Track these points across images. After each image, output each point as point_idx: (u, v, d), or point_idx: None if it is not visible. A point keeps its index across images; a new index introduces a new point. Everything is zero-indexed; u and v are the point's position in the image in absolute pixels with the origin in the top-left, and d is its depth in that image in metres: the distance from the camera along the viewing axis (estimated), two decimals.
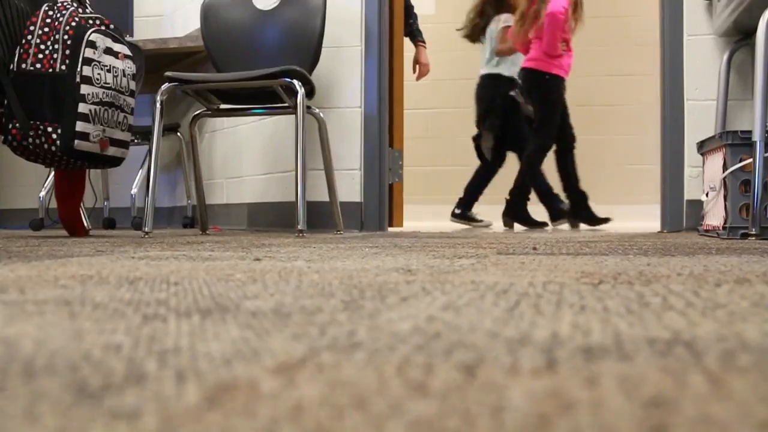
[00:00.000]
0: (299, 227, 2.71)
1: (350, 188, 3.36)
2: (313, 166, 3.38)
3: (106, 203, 4.46)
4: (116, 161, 2.68)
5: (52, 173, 3.53)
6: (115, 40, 2.61)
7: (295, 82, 2.77)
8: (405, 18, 3.90)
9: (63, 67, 2.46)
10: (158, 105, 2.83)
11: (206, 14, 3.31)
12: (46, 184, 3.99)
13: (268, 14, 3.30)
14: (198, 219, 4.20)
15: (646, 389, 0.38)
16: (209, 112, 3.18)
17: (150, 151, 2.89)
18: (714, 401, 0.36)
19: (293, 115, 3.38)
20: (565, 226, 4.21)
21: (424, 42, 4.42)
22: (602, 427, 0.32)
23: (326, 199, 3.23)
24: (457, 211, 4.54)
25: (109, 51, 2.56)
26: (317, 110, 3.09)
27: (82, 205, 2.88)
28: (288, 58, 3.14)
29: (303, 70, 2.84)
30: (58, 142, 2.44)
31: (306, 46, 3.13)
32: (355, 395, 0.37)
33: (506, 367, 0.44)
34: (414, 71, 4.45)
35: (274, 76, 2.79)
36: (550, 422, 0.32)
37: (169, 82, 2.85)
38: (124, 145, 2.67)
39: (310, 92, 2.89)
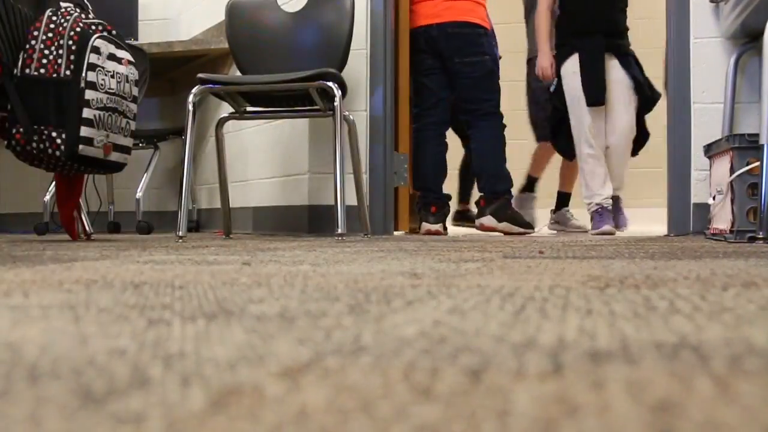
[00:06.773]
0: (339, 231, 2.69)
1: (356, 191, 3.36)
2: (320, 170, 3.39)
3: (110, 207, 4.47)
4: (118, 167, 2.69)
5: None
6: (118, 46, 2.62)
7: (333, 84, 2.75)
8: None
9: (67, 73, 2.46)
10: (191, 107, 2.81)
11: (231, 15, 3.27)
12: (50, 189, 4.00)
13: (295, 16, 3.27)
14: (199, 222, 4.23)
15: (652, 393, 0.38)
16: (237, 115, 3.16)
17: (184, 158, 2.88)
18: (721, 405, 0.36)
19: (301, 119, 3.39)
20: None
21: None
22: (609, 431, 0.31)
23: (331, 202, 3.23)
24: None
25: (112, 57, 2.56)
26: (347, 113, 3.03)
27: (82, 208, 2.89)
28: (317, 60, 3.10)
29: (338, 72, 2.82)
30: (62, 147, 2.44)
31: (335, 49, 3.10)
32: (360, 400, 0.37)
33: (512, 372, 0.44)
34: None
35: (311, 78, 2.76)
36: (557, 426, 0.32)
37: (202, 84, 2.83)
38: (126, 150, 2.67)
39: (342, 95, 2.87)
